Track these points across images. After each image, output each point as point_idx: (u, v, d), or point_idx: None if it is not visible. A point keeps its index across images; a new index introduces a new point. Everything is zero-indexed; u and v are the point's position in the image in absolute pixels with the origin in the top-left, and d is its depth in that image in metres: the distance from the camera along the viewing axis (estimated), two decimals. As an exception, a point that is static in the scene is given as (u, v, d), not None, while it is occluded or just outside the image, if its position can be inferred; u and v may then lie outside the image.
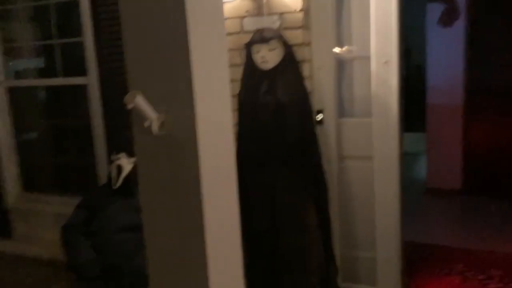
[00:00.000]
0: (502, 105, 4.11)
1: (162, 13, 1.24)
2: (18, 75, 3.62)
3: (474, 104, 4.17)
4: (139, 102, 1.26)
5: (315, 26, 2.42)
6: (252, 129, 2.30)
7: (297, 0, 2.33)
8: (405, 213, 2.55)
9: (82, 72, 3.12)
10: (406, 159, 2.55)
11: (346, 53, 2.48)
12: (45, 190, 3.52)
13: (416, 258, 3.04)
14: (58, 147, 3.59)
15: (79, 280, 2.44)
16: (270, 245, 2.29)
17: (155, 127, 1.29)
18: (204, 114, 1.31)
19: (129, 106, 1.26)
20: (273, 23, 2.35)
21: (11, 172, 3.51)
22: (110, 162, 2.63)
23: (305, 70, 2.40)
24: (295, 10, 2.34)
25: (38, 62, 3.61)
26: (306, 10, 2.38)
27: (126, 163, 2.54)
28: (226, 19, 2.37)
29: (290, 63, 2.25)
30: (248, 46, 2.24)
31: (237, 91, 2.29)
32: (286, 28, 2.36)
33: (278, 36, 2.21)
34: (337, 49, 2.46)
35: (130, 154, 2.55)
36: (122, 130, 2.92)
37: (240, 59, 2.36)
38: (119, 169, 2.53)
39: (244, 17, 2.43)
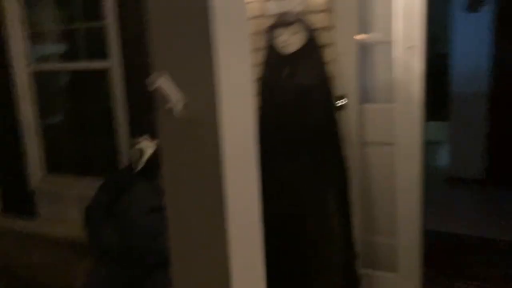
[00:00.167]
0: (529, 93, 4.02)
1: (186, -6, 1.24)
2: (42, 60, 3.67)
3: (500, 92, 4.08)
4: (163, 83, 1.26)
5: (339, 9, 2.39)
6: (272, 114, 2.29)
7: (320, -16, 2.30)
8: (426, 201, 2.53)
9: (105, 56, 3.15)
10: (427, 148, 2.53)
11: (368, 39, 2.44)
12: (68, 172, 3.58)
13: (436, 247, 3.02)
14: (81, 130, 3.64)
15: (101, 261, 2.48)
16: (289, 229, 2.30)
17: (177, 109, 1.29)
18: (227, 96, 1.31)
19: (153, 87, 1.26)
20: (296, 6, 2.33)
21: (36, 154, 3.59)
22: (132, 145, 2.66)
23: (327, 54, 2.37)
24: (319, -6, 2.32)
25: (61, 47, 3.65)
26: (329, -7, 2.35)
27: (148, 146, 2.56)
28: (249, 2, 2.35)
29: (313, 48, 2.23)
30: (270, 29, 2.22)
31: (258, 75, 2.29)
32: (309, 12, 2.33)
33: (300, 19, 2.19)
34: (360, 36, 2.42)
35: (152, 137, 2.57)
36: (144, 113, 2.95)
37: (261, 43, 2.35)
38: (141, 152, 2.56)
39: (267, 0, 2.41)
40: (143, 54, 2.96)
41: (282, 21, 2.17)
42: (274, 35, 2.20)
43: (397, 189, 2.45)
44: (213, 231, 1.37)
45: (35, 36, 3.56)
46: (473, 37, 4.06)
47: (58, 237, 3.43)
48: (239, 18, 1.38)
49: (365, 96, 2.51)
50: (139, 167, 2.54)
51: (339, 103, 2.45)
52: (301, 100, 2.21)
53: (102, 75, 3.27)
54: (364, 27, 2.45)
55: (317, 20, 2.32)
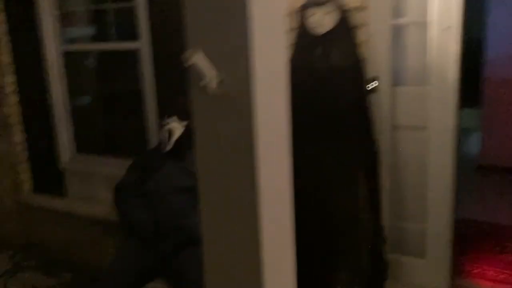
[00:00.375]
0: None
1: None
2: (72, 42, 3.70)
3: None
4: (198, 59, 1.25)
5: (372, -11, 2.33)
6: (303, 96, 2.26)
7: (354, -38, 2.25)
8: (456, 189, 2.48)
9: (135, 37, 3.16)
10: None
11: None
12: (97, 152, 3.64)
13: (466, 234, 2.96)
14: (110, 111, 3.68)
15: (131, 238, 2.52)
16: (318, 212, 2.28)
17: (212, 86, 1.28)
18: (262, 74, 1.29)
19: (188, 64, 1.25)
20: (329, -14, 2.28)
21: (66, 134, 3.65)
22: (162, 125, 2.67)
23: (360, 35, 2.33)
24: (352, -27, 2.26)
25: (91, 30, 3.68)
26: (363, -28, 2.29)
27: (177, 127, 2.57)
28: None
29: (345, 28, 2.18)
30: (303, 9, 2.18)
31: (289, 56, 2.26)
32: (342, -8, 2.28)
33: (333, -1, 2.15)
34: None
35: (181, 118, 2.58)
36: (173, 94, 2.96)
37: (293, 23, 2.31)
38: (170, 132, 2.57)
39: (300, -21, 2.37)
40: (172, 35, 2.96)
41: (315, 1, 2.13)
42: (306, 15, 2.16)
43: (429, 175, 2.40)
44: (245, 210, 1.36)
45: (65, 17, 3.59)
46: (508, 22, 3.92)
47: (87, 215, 3.50)
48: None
49: (397, 79, 2.46)
50: (168, 148, 2.56)
51: (371, 85, 2.40)
52: (332, 81, 2.17)
53: (131, 57, 3.29)
54: (397, 7, 2.39)
55: (350, 0, 2.27)
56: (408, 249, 2.55)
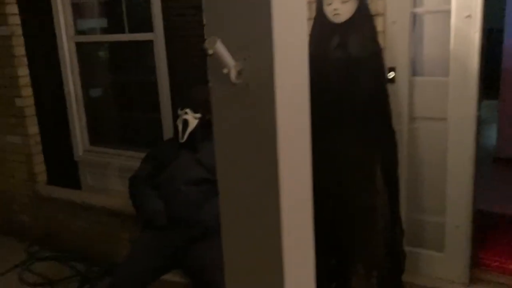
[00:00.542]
0: None
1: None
2: (85, 33, 3.69)
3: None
4: (219, 48, 1.22)
5: (391, -23, 2.29)
6: (320, 85, 2.23)
7: (373, -51, 2.20)
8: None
9: (148, 29, 3.14)
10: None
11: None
12: (111, 144, 3.64)
13: (483, 227, 2.91)
14: (124, 102, 3.67)
15: (146, 230, 2.52)
16: (336, 203, 2.26)
17: (233, 75, 1.26)
18: (282, 63, 1.27)
19: (209, 52, 1.22)
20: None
21: (80, 126, 3.65)
22: (176, 117, 2.66)
23: (378, 24, 2.28)
24: (371, -40, 2.21)
25: (104, 21, 3.66)
26: (382, -41, 2.24)
27: (192, 118, 2.55)
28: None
29: (364, 17, 2.14)
30: (321, -3, 2.14)
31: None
32: (360, -21, 2.23)
33: (352, -13, 2.10)
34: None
35: (195, 110, 2.56)
36: (187, 86, 2.94)
37: (310, 12, 2.27)
38: (185, 124, 2.55)
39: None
40: (186, 27, 2.94)
41: (333, -11, 2.09)
42: (324, 3, 2.12)
43: (448, 166, 2.36)
44: (265, 200, 1.34)
45: (79, 9, 3.58)
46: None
47: (101, 207, 3.51)
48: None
49: (416, 69, 2.41)
50: (183, 139, 2.55)
51: (388, 75, 2.36)
52: (350, 71, 2.13)
53: (145, 48, 3.27)
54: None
55: (369, -12, 2.22)
56: (426, 241, 2.52)
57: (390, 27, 2.32)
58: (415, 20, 2.35)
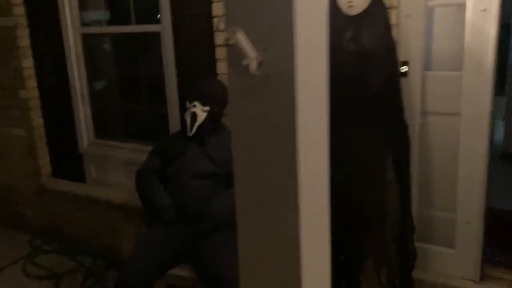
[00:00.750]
0: None
1: None
2: (91, 25, 3.65)
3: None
4: (241, 38, 1.19)
5: (406, -31, 2.25)
6: (333, 78, 2.19)
7: None
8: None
9: (155, 20, 3.10)
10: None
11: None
12: (116, 137, 3.60)
13: (491, 223, 2.89)
14: (130, 95, 3.64)
15: (155, 225, 2.49)
16: (346, 198, 2.23)
17: (253, 67, 1.22)
18: (303, 54, 1.24)
19: (231, 42, 1.19)
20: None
21: (85, 118, 3.62)
22: (183, 110, 2.63)
23: (392, 17, 2.25)
24: (386, -49, 2.17)
25: (111, 12, 3.62)
26: (397, -49, 2.20)
27: (201, 111, 2.52)
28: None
29: (378, 9, 2.10)
30: (335, -11, 2.11)
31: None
32: (374, -29, 2.19)
33: (366, -21, 2.07)
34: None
35: (204, 103, 2.53)
36: (194, 78, 2.90)
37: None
38: (194, 117, 2.52)
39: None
40: (194, 18, 2.90)
41: (347, -19, 2.05)
42: (338, -5, 2.08)
43: (460, 162, 2.33)
44: (284, 193, 1.31)
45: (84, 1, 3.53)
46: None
47: (106, 200, 3.48)
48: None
49: (429, 63, 2.38)
50: (192, 133, 2.52)
51: (402, 69, 2.33)
52: (363, 64, 2.10)
53: (151, 40, 3.24)
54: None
55: (383, -19, 2.19)
56: (436, 238, 2.50)
57: (404, 20, 2.28)
58: (430, 12, 2.31)
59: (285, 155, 1.28)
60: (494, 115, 2.25)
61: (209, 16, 2.77)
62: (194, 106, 2.53)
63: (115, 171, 3.54)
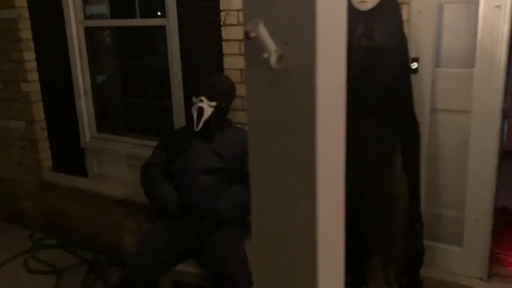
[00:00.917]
0: None
1: None
2: (94, 18, 3.61)
3: None
4: (261, 31, 1.16)
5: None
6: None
7: None
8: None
9: (160, 14, 3.06)
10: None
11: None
12: (119, 131, 3.57)
13: (497, 222, 2.89)
14: (133, 89, 3.60)
15: (160, 220, 2.46)
16: (355, 194, 2.21)
17: (273, 60, 1.20)
18: (324, 48, 1.21)
19: (251, 36, 1.16)
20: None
21: (87, 112, 3.58)
22: (190, 104, 2.60)
23: (404, 13, 2.22)
24: None
25: (115, 5, 3.57)
26: None
27: (207, 106, 2.49)
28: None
29: (390, 5, 2.09)
30: (347, -16, 2.08)
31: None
32: (387, -34, 2.17)
33: (379, -26, 2.05)
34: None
35: (210, 98, 2.50)
36: (200, 73, 2.87)
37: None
38: (200, 112, 2.49)
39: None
40: (200, 11, 2.86)
41: (359, -24, 2.03)
42: (350, -11, 2.07)
43: (470, 160, 2.32)
44: (302, 189, 1.29)
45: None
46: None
47: (108, 195, 3.45)
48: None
49: (439, 60, 2.36)
50: (198, 128, 2.49)
51: (412, 65, 2.31)
52: (374, 60, 2.09)
53: (156, 34, 3.20)
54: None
55: (394, -24, 2.16)
56: (444, 235, 2.48)
57: (415, 16, 2.26)
58: (441, 8, 2.29)
59: (303, 151, 1.26)
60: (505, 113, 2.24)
61: (216, 10, 2.74)
62: (201, 101, 2.50)
63: (117, 165, 3.51)
